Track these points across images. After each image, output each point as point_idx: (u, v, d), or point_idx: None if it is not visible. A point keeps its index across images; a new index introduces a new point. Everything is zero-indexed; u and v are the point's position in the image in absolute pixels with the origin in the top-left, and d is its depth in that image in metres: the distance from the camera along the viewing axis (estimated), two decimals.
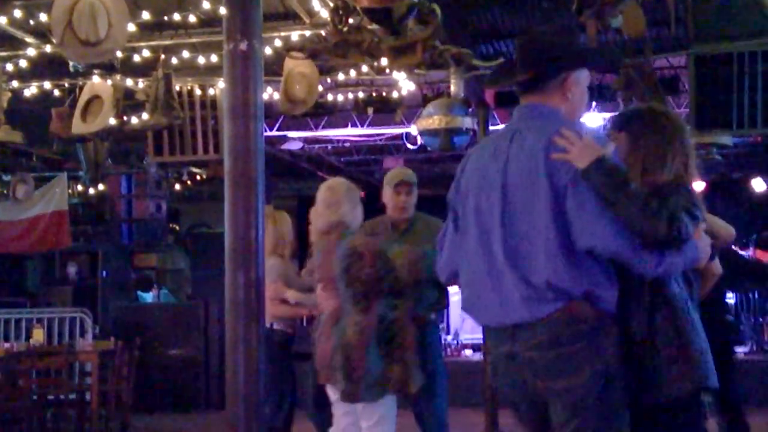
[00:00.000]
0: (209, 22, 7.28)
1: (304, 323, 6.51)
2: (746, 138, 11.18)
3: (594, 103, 11.71)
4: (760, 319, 12.45)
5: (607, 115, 12.84)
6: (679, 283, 3.10)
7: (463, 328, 13.72)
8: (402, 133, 13.04)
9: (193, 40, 7.89)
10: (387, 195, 5.69)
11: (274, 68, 8.07)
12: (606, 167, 2.87)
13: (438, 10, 5.99)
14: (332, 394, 4.99)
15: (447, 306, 5.56)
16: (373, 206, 18.48)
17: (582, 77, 3.19)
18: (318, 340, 5.01)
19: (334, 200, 5.04)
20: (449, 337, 13.70)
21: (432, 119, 9.52)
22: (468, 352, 13.32)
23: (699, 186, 12.15)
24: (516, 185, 3.02)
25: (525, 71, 3.12)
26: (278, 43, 7.66)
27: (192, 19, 7.27)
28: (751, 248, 10.35)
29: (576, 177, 2.91)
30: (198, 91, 8.73)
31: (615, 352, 2.95)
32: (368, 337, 4.71)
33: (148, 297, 14.49)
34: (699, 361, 3.04)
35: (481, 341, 10.36)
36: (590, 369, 2.90)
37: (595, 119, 12.53)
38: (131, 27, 6.78)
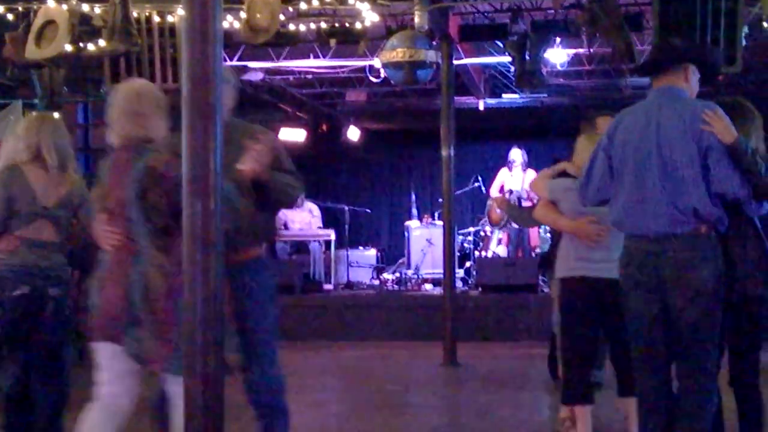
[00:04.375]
0: None
1: None
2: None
3: (558, 39, 11.66)
4: None
5: (572, 51, 12.83)
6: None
7: (423, 262, 13.78)
8: (365, 66, 12.91)
9: None
10: None
11: None
12: (743, 144, 4.18)
13: None
14: (107, 355, 4.12)
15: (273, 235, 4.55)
16: (335, 140, 18.27)
17: (695, 70, 4.48)
18: (99, 285, 4.17)
19: (141, 110, 4.19)
20: (410, 272, 13.77)
21: (395, 52, 9.43)
22: (428, 286, 13.40)
23: None
24: (669, 140, 4.28)
25: (660, 60, 4.51)
26: None
27: None
28: None
29: (717, 143, 4.19)
30: (156, 18, 8.56)
31: (722, 261, 4.29)
32: (176, 285, 3.81)
33: None
34: None
35: (441, 276, 10.40)
36: (711, 267, 4.23)
37: (559, 55, 12.50)
38: None
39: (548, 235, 10.73)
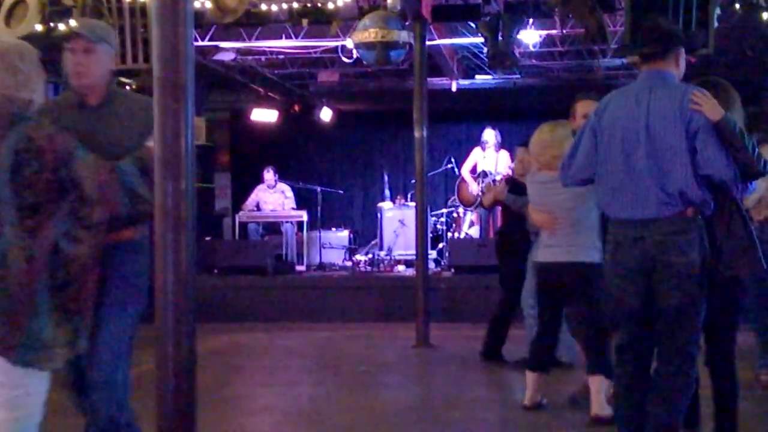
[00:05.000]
0: None
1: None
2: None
3: (531, 20, 11.65)
4: None
5: (544, 32, 12.84)
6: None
7: (396, 244, 13.79)
8: (337, 46, 12.87)
9: None
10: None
11: None
12: (731, 122, 4.27)
13: None
14: None
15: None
16: (307, 121, 18.20)
17: (683, 53, 4.57)
18: None
19: (23, 67, 3.58)
20: (382, 253, 13.78)
21: (368, 32, 9.41)
22: (401, 267, 13.42)
23: None
24: (658, 123, 4.34)
25: (654, 45, 4.49)
26: None
27: None
28: None
29: (705, 125, 4.26)
30: None
31: (707, 245, 4.36)
32: (39, 270, 3.50)
33: None
34: (758, 254, 4.48)
35: (414, 257, 10.41)
36: (697, 251, 4.30)
37: (531, 36, 12.51)
38: None
39: None
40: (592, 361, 5.65)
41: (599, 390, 5.55)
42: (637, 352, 4.47)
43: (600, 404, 5.55)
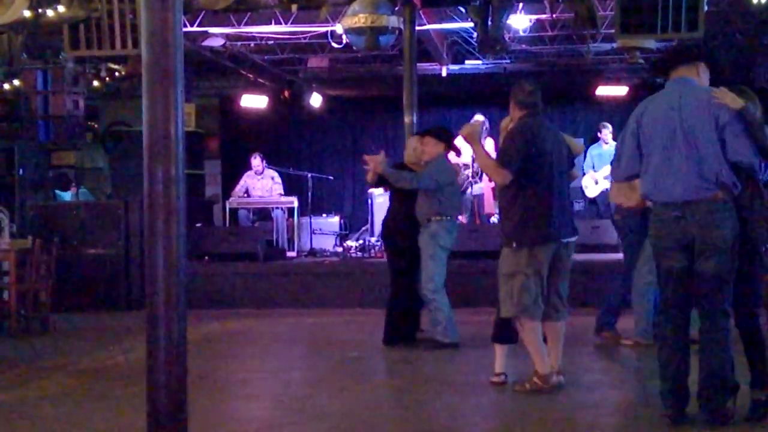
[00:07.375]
0: None
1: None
2: (670, 42, 11.23)
3: (521, 5, 11.66)
4: None
5: (534, 17, 12.83)
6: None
7: None
8: (327, 32, 12.84)
9: None
10: None
11: None
12: (750, 110, 5.07)
13: None
14: None
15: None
16: (297, 107, 18.11)
17: (705, 68, 5.37)
18: None
19: None
20: (373, 239, 13.77)
21: (357, 18, 9.39)
22: None
23: (622, 90, 12.50)
24: (692, 120, 5.10)
25: (678, 55, 5.43)
26: None
27: None
28: None
29: (731, 118, 5.04)
30: None
31: (737, 219, 5.12)
32: None
33: (67, 196, 14.24)
34: None
35: None
36: (730, 227, 5.09)
37: (521, 21, 12.50)
38: None
39: None
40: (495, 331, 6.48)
41: (500, 352, 6.50)
42: (677, 308, 5.27)
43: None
